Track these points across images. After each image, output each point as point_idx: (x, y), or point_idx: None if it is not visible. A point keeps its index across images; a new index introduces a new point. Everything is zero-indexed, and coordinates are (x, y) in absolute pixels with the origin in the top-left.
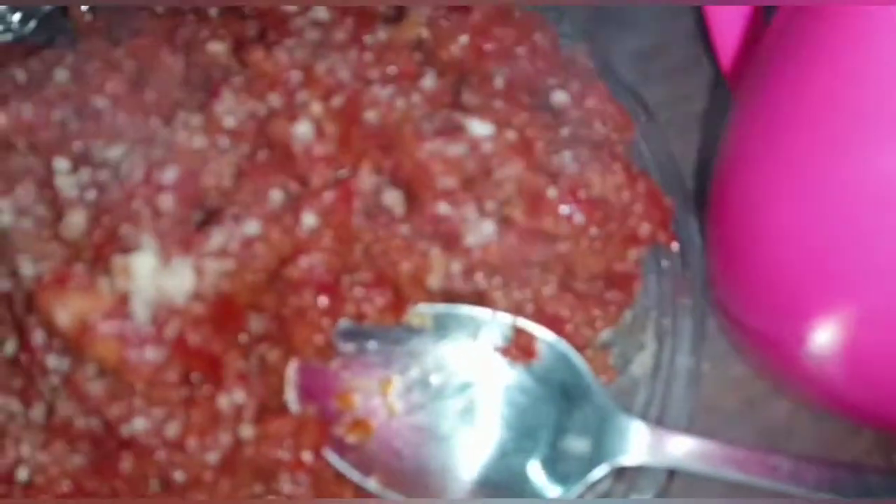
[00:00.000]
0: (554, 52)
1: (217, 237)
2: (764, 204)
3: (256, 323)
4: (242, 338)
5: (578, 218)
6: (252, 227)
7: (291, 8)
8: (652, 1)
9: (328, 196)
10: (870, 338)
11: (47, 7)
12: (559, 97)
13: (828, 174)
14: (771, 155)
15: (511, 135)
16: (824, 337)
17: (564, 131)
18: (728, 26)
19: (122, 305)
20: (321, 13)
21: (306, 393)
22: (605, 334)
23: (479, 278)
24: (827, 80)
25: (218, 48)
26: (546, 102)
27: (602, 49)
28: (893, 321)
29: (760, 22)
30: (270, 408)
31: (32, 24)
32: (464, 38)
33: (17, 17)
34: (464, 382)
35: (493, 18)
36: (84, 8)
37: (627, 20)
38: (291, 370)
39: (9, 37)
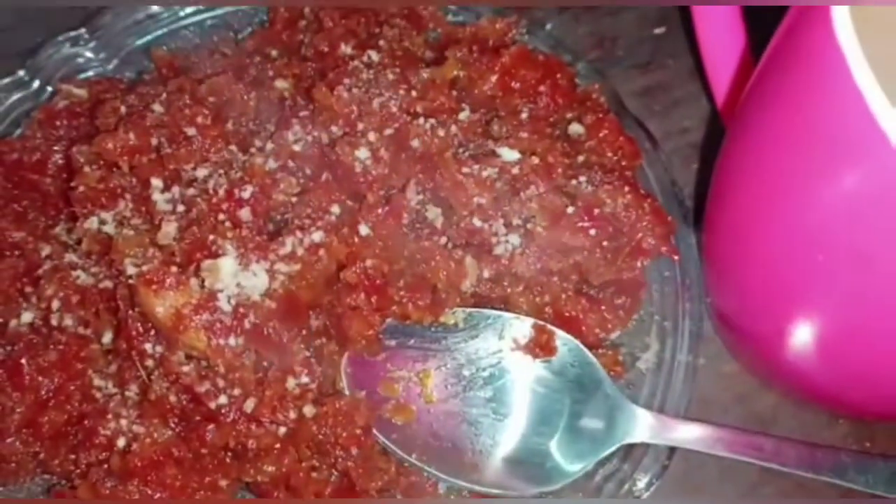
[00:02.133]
0: (571, 89)
1: (288, 244)
2: (751, 222)
3: (315, 319)
4: (303, 332)
5: (593, 233)
6: (317, 235)
7: (346, 51)
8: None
9: (381, 211)
10: (844, 338)
11: (128, 47)
12: (575, 129)
13: (800, 198)
14: (756, 180)
15: (535, 160)
16: (804, 337)
17: (580, 158)
18: (722, 67)
19: (209, 301)
20: (374, 56)
21: (356, 380)
22: (615, 335)
23: (506, 284)
24: (794, 117)
25: (283, 85)
26: (564, 133)
27: (613, 87)
28: (862, 325)
29: (750, 62)
30: (327, 392)
31: (115, 62)
32: (494, 78)
33: (102, 55)
34: (491, 375)
35: (520, 61)
36: (164, 48)
37: (636, 62)
38: (345, 360)
39: (91, 73)
